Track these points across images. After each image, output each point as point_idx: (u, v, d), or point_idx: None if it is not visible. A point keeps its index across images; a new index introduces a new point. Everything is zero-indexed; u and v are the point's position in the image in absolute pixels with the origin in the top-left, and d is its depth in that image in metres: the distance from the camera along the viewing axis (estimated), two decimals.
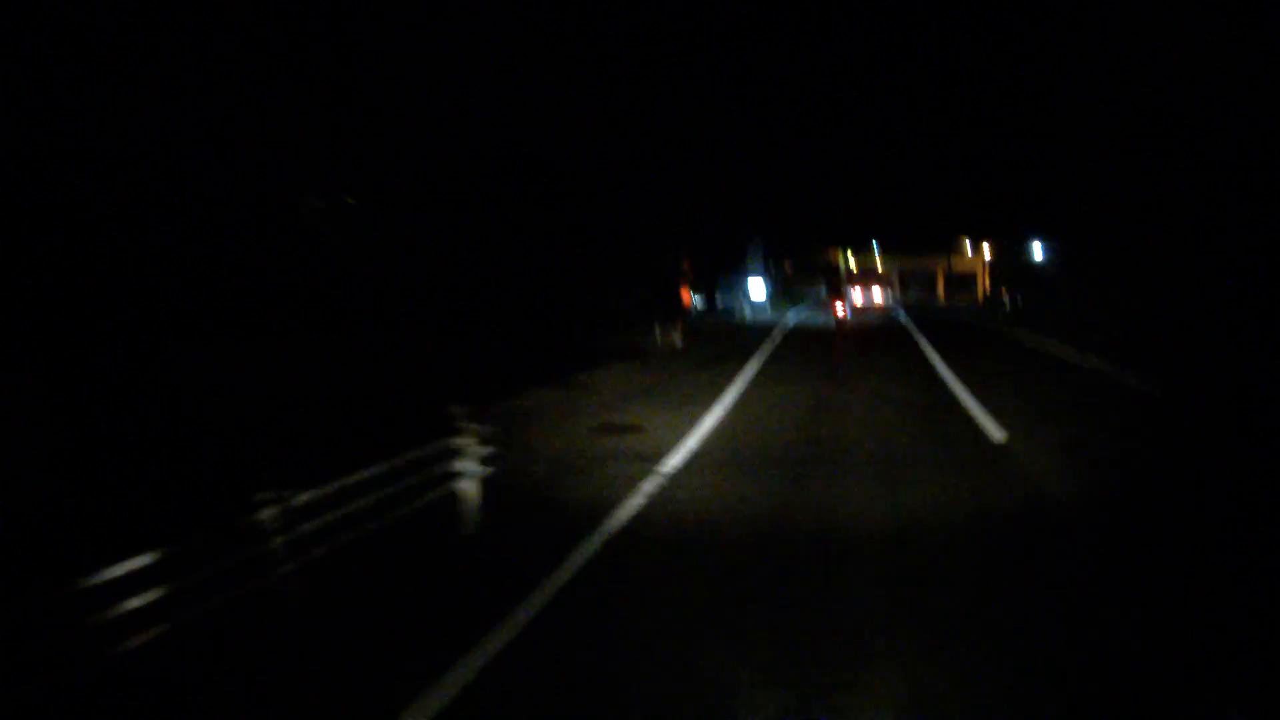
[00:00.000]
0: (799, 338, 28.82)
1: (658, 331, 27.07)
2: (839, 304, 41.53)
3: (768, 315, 51.00)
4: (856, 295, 78.94)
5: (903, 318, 44.87)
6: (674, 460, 9.06)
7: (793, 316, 46.45)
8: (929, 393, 14.50)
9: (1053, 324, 34.50)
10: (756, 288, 54.66)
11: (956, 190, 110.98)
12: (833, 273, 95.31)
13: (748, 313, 50.42)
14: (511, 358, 21.70)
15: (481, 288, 25.55)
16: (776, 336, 29.34)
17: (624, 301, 27.20)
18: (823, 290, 66.91)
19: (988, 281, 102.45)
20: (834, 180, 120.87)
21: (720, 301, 54.09)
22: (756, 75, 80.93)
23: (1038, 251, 68.26)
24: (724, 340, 28.74)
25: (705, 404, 12.67)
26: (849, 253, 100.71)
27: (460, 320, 24.94)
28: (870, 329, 35.70)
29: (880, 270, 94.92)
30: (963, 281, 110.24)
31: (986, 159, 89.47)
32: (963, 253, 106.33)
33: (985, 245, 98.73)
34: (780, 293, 75.78)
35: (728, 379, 16.33)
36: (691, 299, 43.64)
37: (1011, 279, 66.79)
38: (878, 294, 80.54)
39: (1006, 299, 60.93)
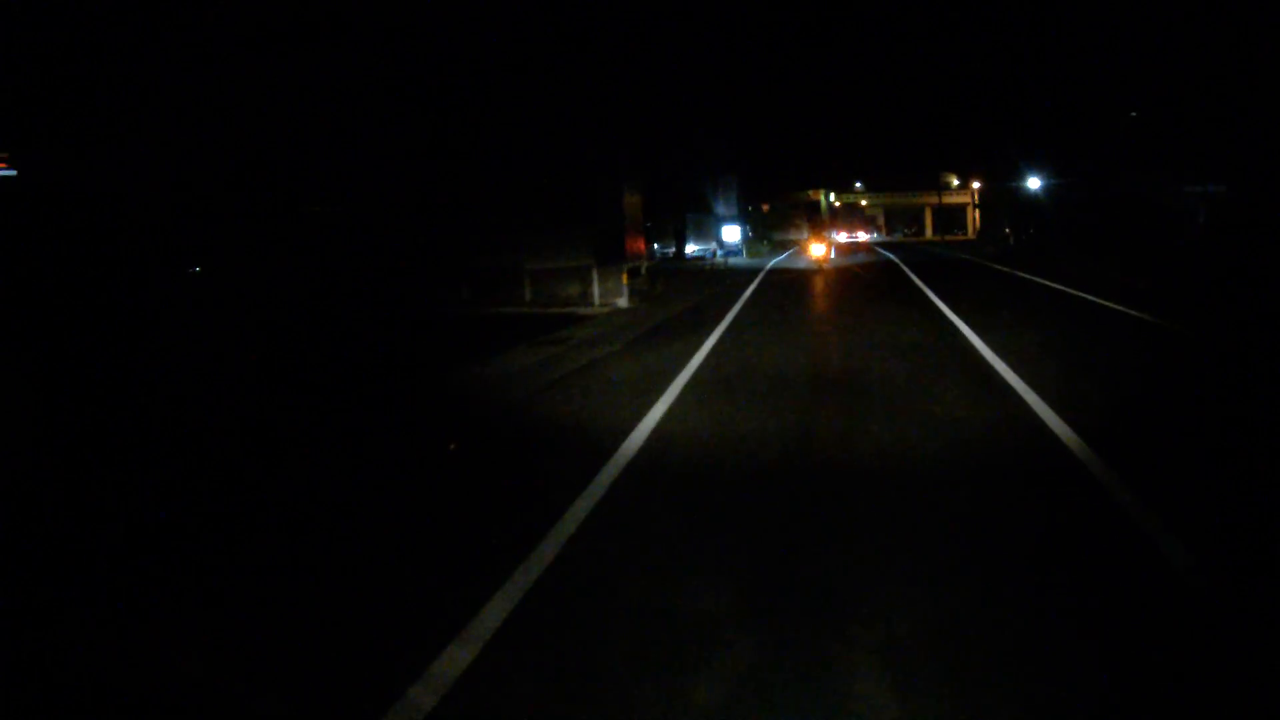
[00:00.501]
0: (779, 294, 22.82)
1: (596, 292, 21.01)
2: (819, 245, 37.05)
3: (743, 261, 44.90)
4: (841, 236, 73.48)
5: (896, 260, 38.90)
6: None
7: (772, 263, 40.32)
8: (981, 396, 8.68)
9: (1069, 264, 28.79)
10: (730, 231, 48.51)
11: (941, 124, 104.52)
12: (813, 212, 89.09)
13: (719, 258, 44.28)
14: (383, 347, 15.69)
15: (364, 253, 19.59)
16: (750, 291, 23.39)
17: (546, 260, 21.11)
18: (805, 233, 60.73)
19: (978, 216, 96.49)
20: (814, 119, 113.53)
21: (691, 247, 48.00)
22: (729, 8, 73.56)
23: (1034, 183, 62.63)
24: (685, 296, 22.73)
25: (606, 446, 6.78)
26: (831, 193, 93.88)
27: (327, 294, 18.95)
28: (862, 274, 29.80)
29: (864, 208, 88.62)
30: (951, 217, 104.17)
31: (973, 89, 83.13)
32: (950, 188, 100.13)
33: (974, 182, 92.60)
34: (759, 236, 69.77)
35: (667, 373, 10.38)
36: (649, 246, 37.49)
37: (1015, 214, 60.93)
38: (862, 234, 74.46)
39: (1011, 237, 55.15)
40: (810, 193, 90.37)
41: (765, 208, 64.38)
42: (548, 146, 21.60)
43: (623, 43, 35.66)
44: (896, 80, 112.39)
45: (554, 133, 21.67)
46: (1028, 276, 25.19)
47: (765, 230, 68.42)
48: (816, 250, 36.33)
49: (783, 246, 64.64)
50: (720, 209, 49.63)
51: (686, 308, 19.84)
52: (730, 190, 49.87)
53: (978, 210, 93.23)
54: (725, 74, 64.25)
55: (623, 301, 21.20)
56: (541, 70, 23.71)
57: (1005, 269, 29.31)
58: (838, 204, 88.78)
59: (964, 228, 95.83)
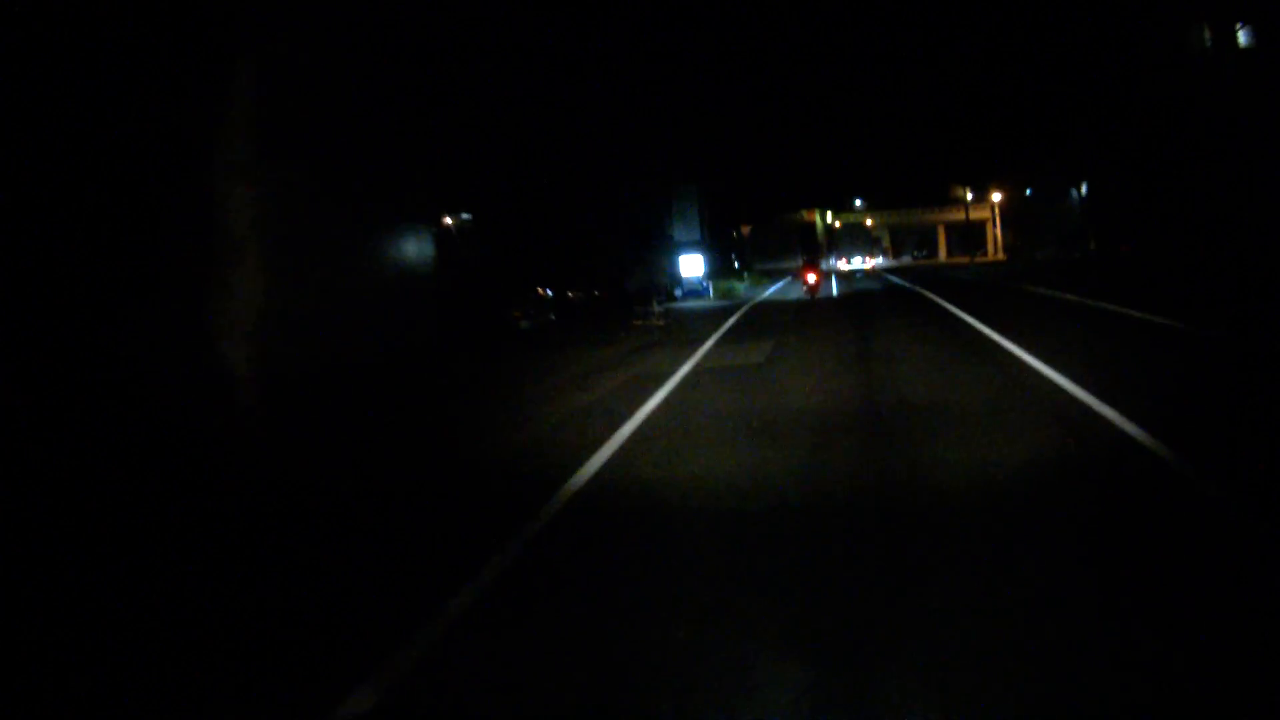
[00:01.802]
0: (729, 409, 8.86)
1: None
2: (811, 274, 30.49)
3: (707, 303, 30.98)
4: (842, 264, 60.15)
5: (945, 304, 24.88)
6: None
7: (747, 307, 26.37)
8: None
9: None
10: (689, 263, 34.56)
11: (952, 127, 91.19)
12: (808, 236, 75.21)
13: (674, 300, 30.30)
14: None
15: None
16: (666, 393, 9.65)
17: None
18: (800, 259, 46.93)
19: (999, 232, 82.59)
20: (802, 126, 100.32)
21: (638, 284, 33.96)
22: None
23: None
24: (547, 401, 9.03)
25: None
26: (828, 213, 79.57)
27: None
28: (903, 330, 15.95)
29: (869, 229, 73.87)
30: (966, 236, 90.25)
31: (989, 81, 70.02)
32: (962, 202, 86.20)
33: (994, 193, 78.53)
34: (742, 266, 56.03)
35: None
36: (534, 295, 23.56)
37: (1073, 223, 47.22)
38: (865, 259, 60.70)
39: (1131, 252, 41.11)
40: (804, 213, 76.60)
41: (746, 230, 50.09)
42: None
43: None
44: (896, 78, 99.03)
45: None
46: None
47: (748, 258, 54.50)
48: (808, 279, 30.42)
49: (770, 277, 50.79)
50: (679, 233, 35.69)
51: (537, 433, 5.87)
52: (690, 206, 35.85)
53: (1000, 226, 79.30)
54: (682, 65, 50.79)
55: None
56: None
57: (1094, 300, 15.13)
58: (837, 225, 74.95)
59: (983, 247, 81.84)
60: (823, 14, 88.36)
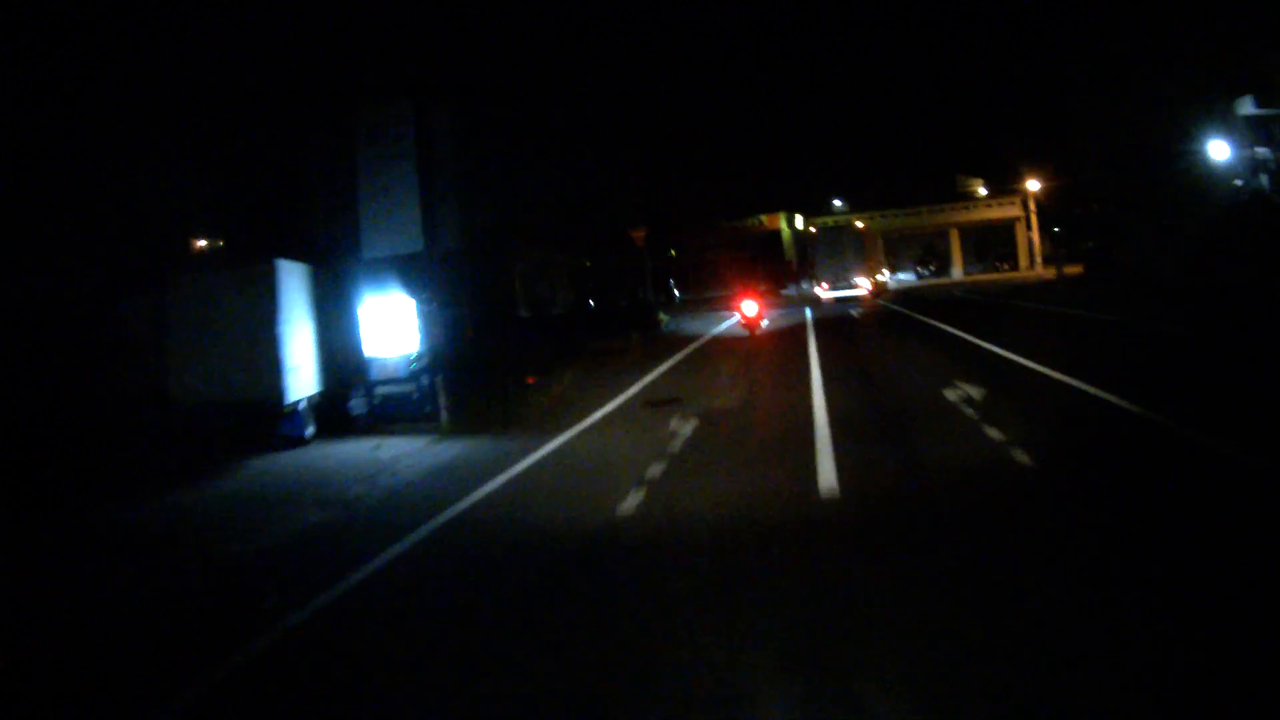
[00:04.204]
0: None
1: None
2: (749, 303, 22.38)
3: (405, 450, 9.22)
4: (823, 290, 38.96)
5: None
6: None
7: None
8: None
9: None
10: (383, 325, 12.70)
11: (960, 95, 70.54)
12: (770, 249, 53.64)
13: (353, 413, 8.56)
14: None
15: None
16: None
17: None
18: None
19: (1037, 236, 60.87)
20: (744, 99, 78.33)
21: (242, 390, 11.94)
22: None
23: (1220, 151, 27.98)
24: None
25: None
26: (797, 217, 57.52)
27: None
28: None
29: (860, 233, 50.56)
30: (983, 242, 68.55)
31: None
32: (975, 198, 64.42)
33: (1029, 180, 56.89)
34: (678, 296, 34.93)
35: None
36: None
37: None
38: (860, 280, 39.35)
39: None
40: (764, 218, 54.67)
41: (639, 236, 27.88)
42: None
43: None
44: (882, 38, 78.42)
45: None
46: None
47: (654, 285, 32.55)
48: (745, 310, 22.44)
49: (701, 312, 29.43)
50: (379, 245, 13.68)
51: None
52: (400, 172, 13.82)
53: (1035, 226, 57.16)
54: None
55: None
56: None
57: None
58: (812, 230, 53.03)
59: (1011, 257, 60.16)
60: None
